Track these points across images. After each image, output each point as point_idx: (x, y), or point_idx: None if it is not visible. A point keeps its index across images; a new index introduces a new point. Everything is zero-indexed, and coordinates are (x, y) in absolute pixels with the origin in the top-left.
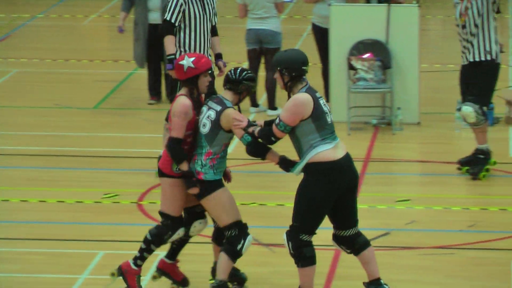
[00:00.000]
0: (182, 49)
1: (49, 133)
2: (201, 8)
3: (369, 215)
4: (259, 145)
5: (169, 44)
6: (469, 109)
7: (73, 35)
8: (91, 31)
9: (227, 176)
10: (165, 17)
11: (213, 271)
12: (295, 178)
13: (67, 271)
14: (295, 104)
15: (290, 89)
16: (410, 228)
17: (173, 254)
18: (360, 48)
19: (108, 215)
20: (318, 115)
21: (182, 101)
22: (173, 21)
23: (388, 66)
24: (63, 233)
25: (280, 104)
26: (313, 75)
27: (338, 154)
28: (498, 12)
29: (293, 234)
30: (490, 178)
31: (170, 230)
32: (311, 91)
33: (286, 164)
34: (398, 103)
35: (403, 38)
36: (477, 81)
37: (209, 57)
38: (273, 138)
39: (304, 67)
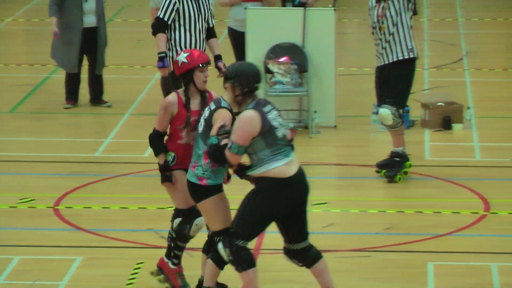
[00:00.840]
0: (178, 48)
1: None
2: (196, 7)
3: None
4: (221, 153)
5: (160, 42)
6: (386, 112)
7: None
8: (6, 34)
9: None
10: (158, 15)
11: (200, 284)
12: None
13: None
14: (241, 124)
15: (239, 104)
16: (327, 231)
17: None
18: (276, 51)
19: (24, 220)
20: (266, 131)
21: (169, 96)
22: (165, 19)
23: (304, 69)
24: None
25: None
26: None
27: (291, 170)
28: (415, 13)
29: (229, 240)
30: (406, 180)
31: (187, 224)
32: (258, 106)
33: (242, 171)
34: (315, 106)
35: (320, 41)
36: (396, 82)
37: None
38: (226, 165)
39: (257, 84)
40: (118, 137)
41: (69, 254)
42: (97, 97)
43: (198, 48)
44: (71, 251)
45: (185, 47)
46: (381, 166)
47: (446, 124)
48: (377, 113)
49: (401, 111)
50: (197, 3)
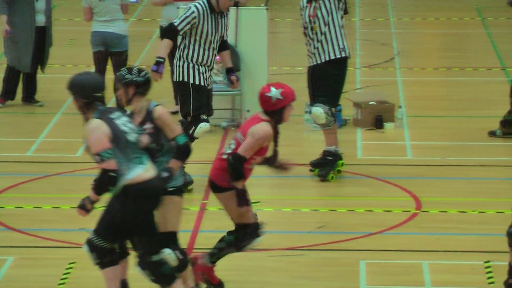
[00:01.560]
0: (189, 61)
1: None
2: (214, 26)
3: (218, 218)
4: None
5: (164, 47)
6: (319, 110)
7: None
8: None
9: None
10: (174, 21)
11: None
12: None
13: None
14: (89, 134)
15: (85, 114)
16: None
17: (215, 257)
18: None
19: None
20: (115, 137)
21: (266, 128)
22: (179, 28)
23: (237, 68)
24: None
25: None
26: (165, 78)
27: (144, 176)
28: (346, 12)
29: (145, 260)
30: (338, 179)
31: (253, 238)
32: (104, 113)
33: (270, 162)
34: (248, 105)
35: (252, 41)
36: (328, 81)
37: (213, 69)
38: (109, 184)
39: (97, 94)
40: (50, 137)
41: (1, 254)
42: (30, 96)
43: (209, 63)
44: (3, 251)
45: (197, 62)
46: (315, 165)
47: (378, 123)
48: (310, 112)
49: (333, 110)
50: (215, 21)
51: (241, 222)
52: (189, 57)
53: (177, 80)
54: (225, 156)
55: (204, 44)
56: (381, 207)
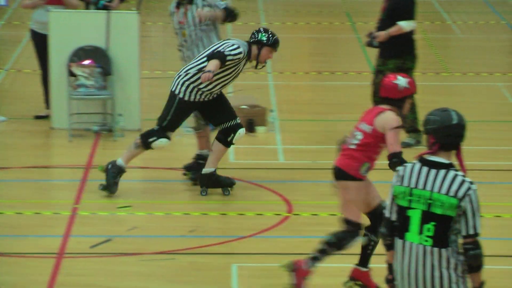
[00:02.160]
0: (197, 87)
1: None
2: (241, 71)
3: (90, 222)
4: None
5: (215, 65)
6: None
7: None
8: None
9: None
10: (221, 50)
11: None
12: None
13: None
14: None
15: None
16: (131, 234)
17: (365, 261)
18: (80, 54)
19: None
20: None
21: (395, 116)
22: (227, 59)
23: (108, 72)
24: None
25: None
26: (34, 82)
27: None
28: (232, 19)
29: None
30: None
31: (353, 237)
32: None
33: None
34: (120, 109)
35: (123, 44)
36: None
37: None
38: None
39: None
40: None
41: None
42: None
43: (214, 93)
44: None
45: (204, 88)
46: (187, 168)
47: (249, 127)
48: None
49: None
50: (238, 69)
51: (369, 210)
52: (201, 85)
53: (172, 90)
54: (353, 146)
55: (223, 81)
56: (253, 210)
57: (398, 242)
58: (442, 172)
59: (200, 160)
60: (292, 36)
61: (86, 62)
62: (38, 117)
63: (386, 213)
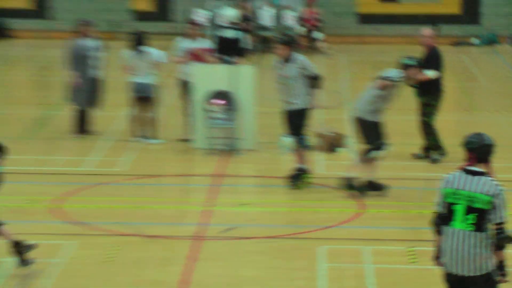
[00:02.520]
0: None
1: None
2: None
3: (218, 215)
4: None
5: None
6: None
7: None
8: None
9: None
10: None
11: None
12: None
13: None
14: None
15: None
16: (250, 224)
17: None
18: (215, 95)
19: None
20: None
21: None
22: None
23: (234, 108)
24: None
25: None
26: (177, 115)
27: None
28: None
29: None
30: None
31: None
32: None
33: None
34: (240, 135)
35: (244, 88)
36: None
37: None
38: None
39: None
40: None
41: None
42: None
43: None
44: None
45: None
46: (293, 177)
47: (331, 148)
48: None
49: None
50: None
51: None
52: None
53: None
54: None
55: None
56: (333, 208)
57: (446, 229)
58: (479, 177)
59: (299, 171)
60: None
61: (219, 101)
62: (182, 140)
63: (437, 208)
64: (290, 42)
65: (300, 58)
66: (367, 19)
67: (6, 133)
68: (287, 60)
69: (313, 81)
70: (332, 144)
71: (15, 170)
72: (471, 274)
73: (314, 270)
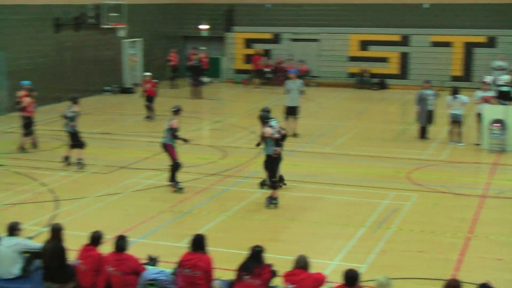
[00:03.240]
0: None
1: None
2: None
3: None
4: None
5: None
6: None
7: None
8: None
9: None
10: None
11: None
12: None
13: None
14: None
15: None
16: None
17: None
18: (494, 121)
19: None
20: None
21: None
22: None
23: (505, 128)
24: None
25: None
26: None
27: None
28: None
29: None
30: None
31: None
32: None
33: None
34: (507, 142)
35: None
36: None
37: None
38: None
39: None
40: None
41: None
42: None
43: None
44: None
45: None
46: None
47: None
48: None
49: None
50: None
51: None
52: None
53: None
54: None
55: None
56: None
57: None
58: None
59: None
60: None
61: (497, 124)
62: (476, 144)
63: None
64: None
65: None
66: None
67: (382, 136)
68: None
69: None
70: None
71: (374, 155)
72: None
73: None
